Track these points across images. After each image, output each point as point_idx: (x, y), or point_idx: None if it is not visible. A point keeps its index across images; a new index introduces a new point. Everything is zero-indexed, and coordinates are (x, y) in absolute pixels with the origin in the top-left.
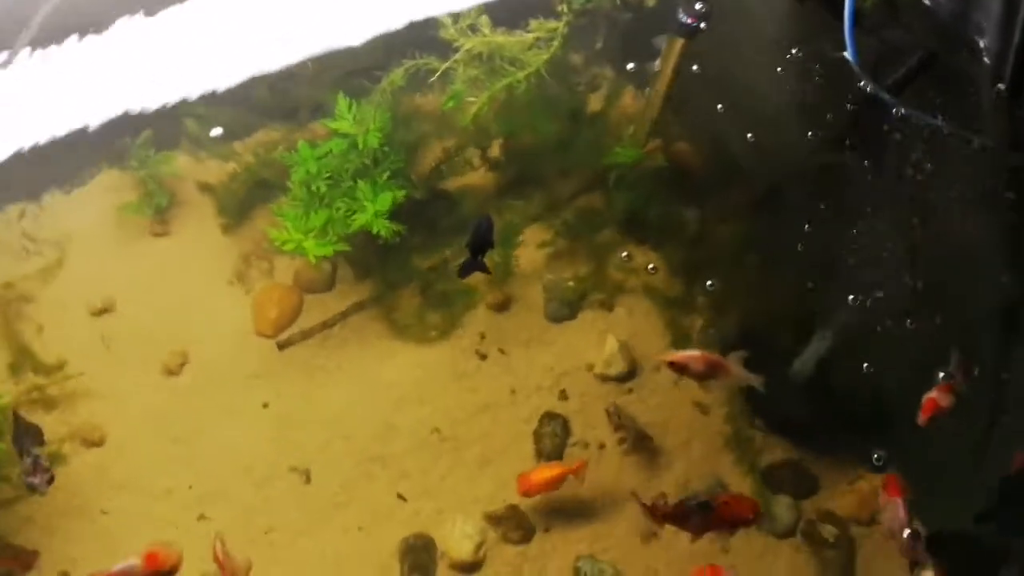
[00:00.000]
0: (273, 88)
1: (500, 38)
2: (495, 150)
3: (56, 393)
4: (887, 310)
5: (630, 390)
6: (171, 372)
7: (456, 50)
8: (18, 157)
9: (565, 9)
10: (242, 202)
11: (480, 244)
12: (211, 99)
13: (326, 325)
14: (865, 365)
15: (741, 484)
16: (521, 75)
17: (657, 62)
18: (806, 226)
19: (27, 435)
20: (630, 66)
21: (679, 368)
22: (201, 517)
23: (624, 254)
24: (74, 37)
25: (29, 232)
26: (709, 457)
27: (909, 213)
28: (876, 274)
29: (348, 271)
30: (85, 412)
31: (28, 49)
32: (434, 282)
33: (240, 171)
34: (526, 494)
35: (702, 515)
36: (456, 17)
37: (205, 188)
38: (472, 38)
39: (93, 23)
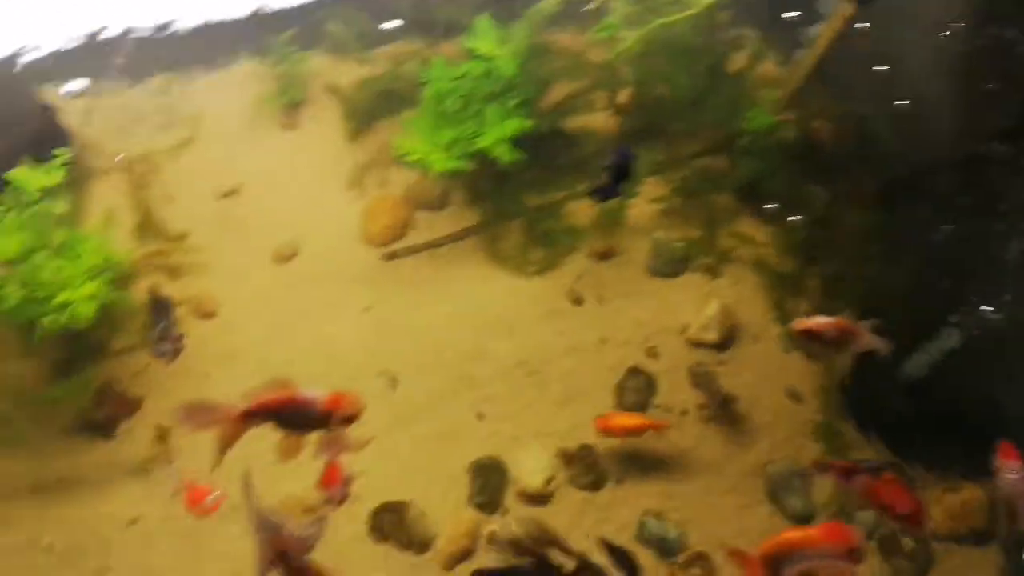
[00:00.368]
0: (413, 2)
1: None
2: (624, 96)
3: (177, 263)
4: (1018, 321)
5: (722, 362)
6: (283, 260)
7: None
8: (170, 33)
9: None
10: (369, 110)
11: (622, 171)
12: (355, 4)
13: (431, 245)
14: (982, 375)
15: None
16: (679, 17)
17: (817, 27)
18: (944, 221)
19: (159, 308)
20: (786, 17)
21: (811, 335)
22: None
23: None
24: None
25: (170, 106)
26: (793, 443)
27: None
28: (1015, 282)
29: (460, 194)
30: (201, 285)
31: None
32: (541, 219)
33: (371, 79)
34: (604, 433)
35: (870, 477)
36: None
37: (336, 91)
38: None
39: None
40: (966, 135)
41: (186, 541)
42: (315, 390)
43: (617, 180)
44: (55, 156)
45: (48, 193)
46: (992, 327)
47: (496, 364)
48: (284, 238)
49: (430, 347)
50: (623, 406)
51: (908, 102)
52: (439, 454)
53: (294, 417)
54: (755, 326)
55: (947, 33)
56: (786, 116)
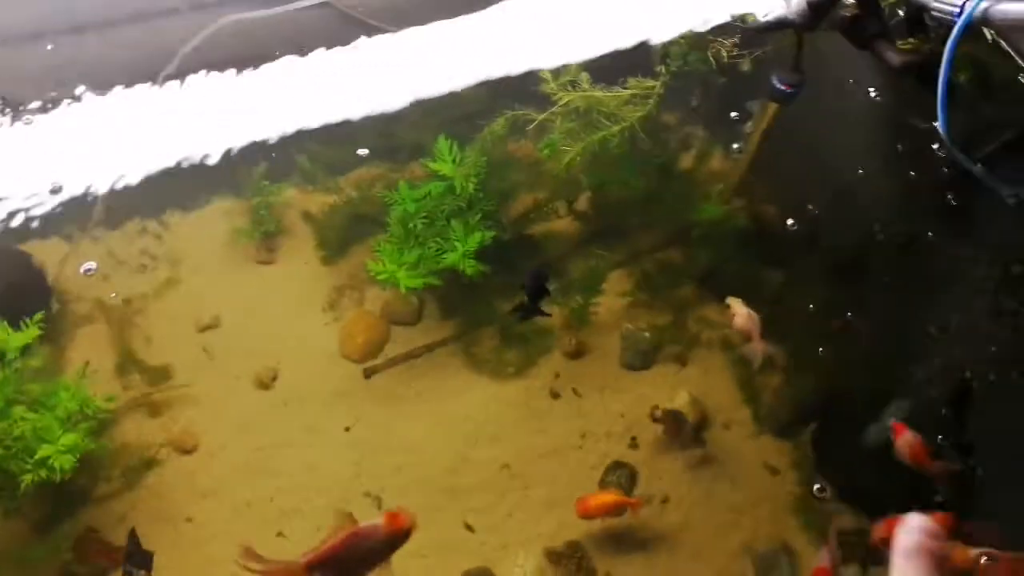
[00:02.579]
0: (377, 129)
1: (598, 93)
2: (582, 201)
3: (159, 400)
4: (971, 383)
5: (698, 442)
6: (264, 387)
7: (555, 103)
8: (147, 178)
9: (663, 70)
10: (341, 235)
11: (536, 292)
12: (322, 136)
13: (410, 356)
14: (940, 437)
15: (809, 548)
16: (616, 129)
17: (748, 124)
18: (888, 295)
19: (136, 557)
20: (720, 123)
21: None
22: (279, 534)
23: None
24: (205, 72)
25: (149, 249)
26: (777, 519)
27: (998, 291)
28: (959, 348)
29: (434, 307)
30: (184, 420)
31: (167, 80)
32: (513, 323)
33: (341, 205)
34: (584, 516)
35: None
36: (557, 72)
37: (309, 218)
38: (571, 93)
39: (225, 62)
40: (898, 219)
41: None
42: (371, 519)
43: (535, 299)
44: (33, 310)
45: (25, 349)
46: (940, 392)
47: (479, 473)
48: (264, 364)
49: (413, 462)
50: None
51: (843, 191)
52: (428, 569)
53: (359, 553)
54: (726, 410)
55: (871, 135)
56: (734, 206)
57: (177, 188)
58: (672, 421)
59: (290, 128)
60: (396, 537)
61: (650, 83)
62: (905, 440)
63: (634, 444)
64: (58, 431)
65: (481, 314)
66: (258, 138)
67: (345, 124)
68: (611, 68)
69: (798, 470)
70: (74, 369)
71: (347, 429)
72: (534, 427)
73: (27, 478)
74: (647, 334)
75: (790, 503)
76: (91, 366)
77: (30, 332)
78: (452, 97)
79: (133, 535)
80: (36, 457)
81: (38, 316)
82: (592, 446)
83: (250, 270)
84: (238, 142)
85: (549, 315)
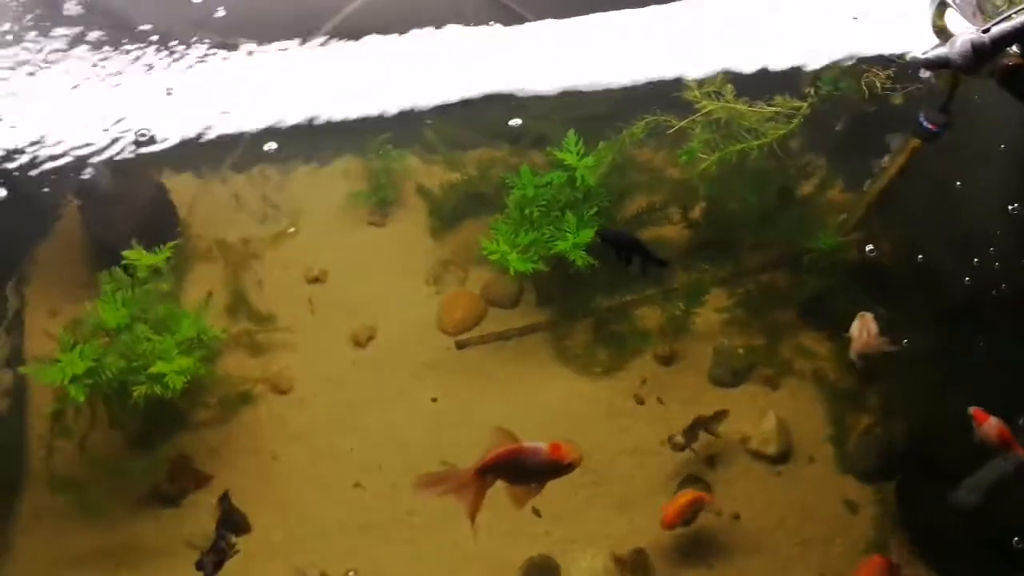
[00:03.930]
0: (505, 114)
1: (741, 107)
2: (696, 211)
3: (262, 341)
4: None
5: (779, 473)
6: (359, 344)
7: (696, 111)
8: (280, 130)
9: (812, 92)
10: (454, 209)
11: (629, 244)
12: (449, 112)
13: (502, 336)
14: None
15: None
16: (755, 144)
17: (885, 158)
18: (1003, 348)
19: (230, 521)
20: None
21: None
22: (356, 485)
23: None
24: (354, 38)
25: (271, 197)
26: (847, 558)
27: None
28: None
29: (533, 294)
30: (281, 363)
31: (318, 41)
32: (609, 321)
33: (459, 182)
34: (668, 525)
35: None
36: (701, 81)
37: (423, 190)
38: (714, 103)
39: (374, 30)
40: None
41: None
42: (537, 442)
43: (642, 253)
44: (163, 239)
45: (155, 272)
46: None
47: None
48: (362, 323)
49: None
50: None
51: (971, 238)
52: (492, 549)
53: (522, 468)
54: (811, 442)
55: (1010, 183)
56: (852, 238)
57: (306, 143)
58: (690, 430)
59: (420, 101)
60: (557, 465)
61: (797, 103)
62: (992, 424)
63: (711, 462)
64: (175, 353)
65: (577, 307)
66: (389, 106)
67: (475, 104)
68: (755, 83)
69: (877, 514)
70: (190, 297)
71: (434, 400)
72: (615, 426)
73: (140, 389)
74: (741, 351)
75: (863, 545)
76: (205, 301)
77: (162, 254)
78: (581, 94)
79: (226, 498)
80: (151, 371)
81: (170, 245)
82: (670, 455)
83: (361, 231)
84: (369, 108)
85: (666, 263)
